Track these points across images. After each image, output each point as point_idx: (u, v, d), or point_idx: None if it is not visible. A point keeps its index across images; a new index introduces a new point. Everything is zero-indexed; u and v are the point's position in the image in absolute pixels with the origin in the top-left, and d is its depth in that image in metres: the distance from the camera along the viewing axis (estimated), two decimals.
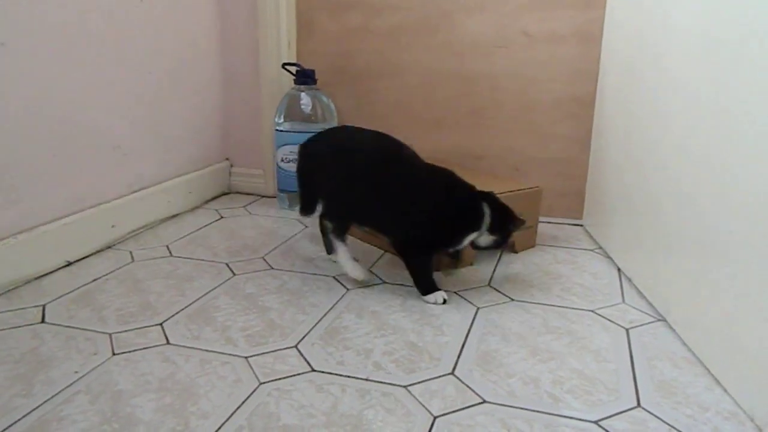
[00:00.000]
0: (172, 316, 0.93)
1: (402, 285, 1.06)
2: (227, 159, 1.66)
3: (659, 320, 0.95)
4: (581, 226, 1.41)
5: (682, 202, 0.89)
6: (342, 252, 1.05)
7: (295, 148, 1.43)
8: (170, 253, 1.20)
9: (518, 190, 1.21)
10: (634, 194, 1.08)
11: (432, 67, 1.49)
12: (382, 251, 1.23)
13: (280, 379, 0.77)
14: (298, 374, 0.78)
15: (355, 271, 1.04)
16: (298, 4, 1.55)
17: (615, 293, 1.05)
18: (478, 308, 0.98)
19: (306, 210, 1.11)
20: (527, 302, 1.01)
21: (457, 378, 0.78)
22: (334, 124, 1.48)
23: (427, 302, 0.99)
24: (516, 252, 1.24)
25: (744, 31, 0.74)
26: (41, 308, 0.95)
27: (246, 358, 0.81)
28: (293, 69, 1.47)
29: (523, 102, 1.44)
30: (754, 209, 0.70)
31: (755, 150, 0.70)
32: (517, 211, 1.02)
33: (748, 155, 0.72)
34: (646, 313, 0.97)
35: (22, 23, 1.00)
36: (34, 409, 0.69)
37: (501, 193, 1.15)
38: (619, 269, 1.15)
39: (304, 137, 1.42)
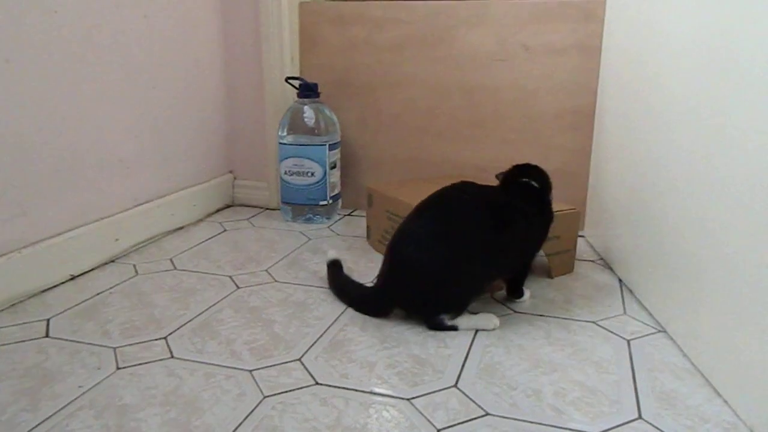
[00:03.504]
0: (177, 329, 0.94)
1: None
2: (231, 172, 1.67)
3: (660, 331, 0.95)
4: (582, 237, 1.41)
5: (682, 213, 0.90)
6: (466, 320, 0.95)
7: (299, 161, 1.46)
8: (174, 266, 1.20)
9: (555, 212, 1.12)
10: (635, 205, 1.09)
11: (434, 79, 1.50)
12: None
13: (284, 392, 0.77)
14: (302, 387, 0.78)
15: (488, 321, 0.95)
16: (301, 18, 1.57)
17: (616, 304, 1.05)
18: None
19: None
20: (529, 314, 1.01)
21: (461, 390, 0.78)
22: (337, 137, 1.50)
23: (524, 301, 1.05)
24: (552, 278, 1.17)
25: (739, 42, 0.75)
26: (46, 322, 0.95)
27: (250, 371, 0.82)
28: (296, 83, 1.49)
29: (523, 114, 1.45)
30: (754, 220, 0.71)
31: (755, 160, 0.71)
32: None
33: (747, 165, 0.72)
34: (648, 325, 0.98)
35: (27, 40, 1.02)
36: (39, 424, 0.70)
37: None
38: (620, 280, 1.16)
39: (308, 150, 1.45)
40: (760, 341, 0.69)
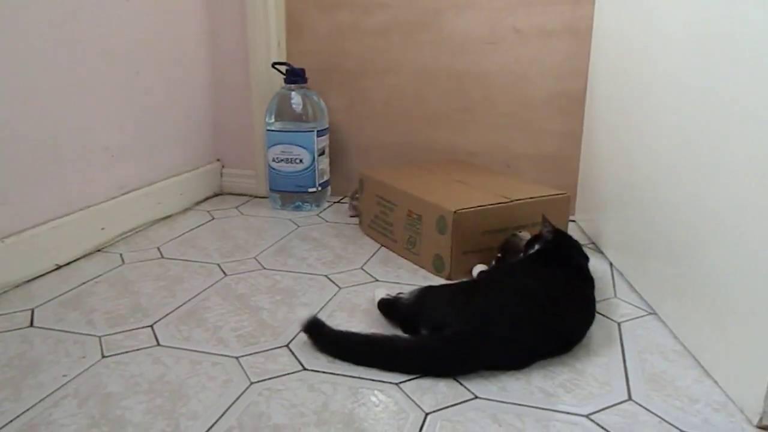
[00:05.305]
0: (163, 317, 0.92)
1: (395, 283, 1.06)
2: (218, 160, 1.66)
3: (650, 314, 0.95)
4: (573, 221, 1.41)
5: (673, 196, 0.89)
6: None
7: (287, 148, 1.44)
8: (161, 254, 1.19)
9: (542, 196, 1.13)
10: (625, 189, 1.08)
11: (423, 64, 1.49)
12: (378, 246, 1.22)
13: (271, 378, 0.76)
14: (290, 373, 0.77)
15: None
16: (287, 3, 1.54)
17: (607, 287, 1.05)
18: None
19: None
20: None
21: None
22: (326, 123, 1.48)
23: None
24: None
25: (731, 24, 0.74)
26: (30, 312, 0.94)
27: (237, 358, 0.81)
28: (283, 68, 1.47)
29: (514, 98, 1.44)
30: (744, 202, 0.70)
31: (746, 143, 0.70)
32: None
33: (738, 149, 0.72)
34: (638, 307, 0.97)
35: (5, 24, 0.99)
36: (23, 413, 0.69)
37: (524, 199, 1.11)
38: (611, 264, 1.16)
39: (296, 137, 1.44)
40: (749, 322, 0.69)
